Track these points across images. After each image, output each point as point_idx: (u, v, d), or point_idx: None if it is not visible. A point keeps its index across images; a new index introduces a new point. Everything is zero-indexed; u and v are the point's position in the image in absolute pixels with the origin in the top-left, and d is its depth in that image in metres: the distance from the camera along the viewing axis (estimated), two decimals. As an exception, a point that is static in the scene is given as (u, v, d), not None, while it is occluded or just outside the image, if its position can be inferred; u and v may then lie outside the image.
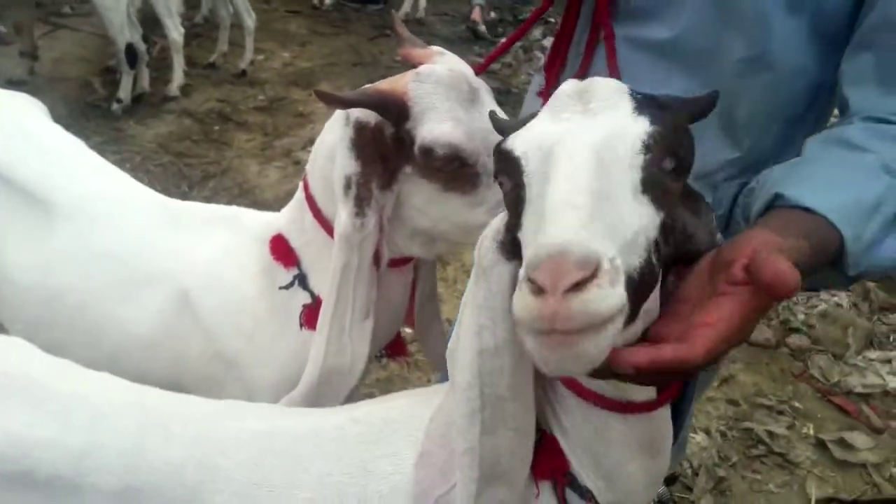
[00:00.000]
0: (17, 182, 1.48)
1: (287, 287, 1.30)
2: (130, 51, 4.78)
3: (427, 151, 1.11)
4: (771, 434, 2.82)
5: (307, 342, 1.26)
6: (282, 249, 1.32)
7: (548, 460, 0.99)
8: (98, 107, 4.96)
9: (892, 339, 3.37)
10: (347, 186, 1.15)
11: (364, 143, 1.14)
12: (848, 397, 3.02)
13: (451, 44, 6.72)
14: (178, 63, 5.20)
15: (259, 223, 1.39)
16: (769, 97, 1.17)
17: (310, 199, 1.27)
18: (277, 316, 1.31)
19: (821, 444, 2.79)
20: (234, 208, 1.50)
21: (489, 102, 1.16)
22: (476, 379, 0.90)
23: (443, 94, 1.11)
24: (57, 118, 1.77)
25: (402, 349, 1.46)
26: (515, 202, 0.81)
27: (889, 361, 3.20)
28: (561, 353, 0.64)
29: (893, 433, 2.87)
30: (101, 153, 1.70)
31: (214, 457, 1.02)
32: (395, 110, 1.11)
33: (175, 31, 5.06)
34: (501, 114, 1.17)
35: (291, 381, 1.27)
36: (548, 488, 1.00)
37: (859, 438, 2.81)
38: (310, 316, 1.28)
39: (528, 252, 0.68)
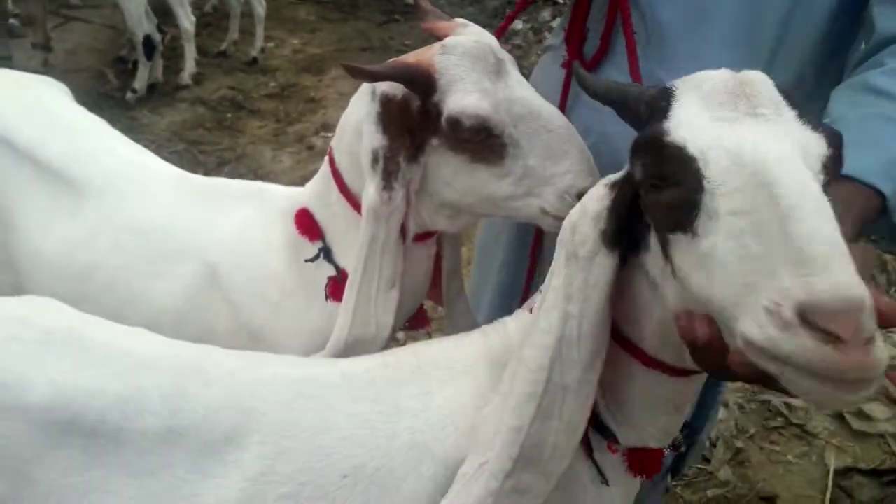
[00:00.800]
0: (44, 161, 1.51)
1: (312, 260, 1.32)
2: (149, 42, 4.82)
3: (454, 123, 1.12)
4: (789, 406, 2.84)
5: (332, 314, 1.28)
6: (307, 223, 1.34)
7: None
8: (111, 97, 5.01)
9: (909, 310, 3.36)
10: (375, 160, 1.17)
11: (391, 116, 1.16)
12: (865, 368, 3.03)
13: (460, 26, 6.73)
14: (190, 52, 5.23)
15: (284, 197, 1.41)
16: (808, 36, 1.20)
17: (336, 174, 1.29)
18: (303, 289, 1.34)
19: (839, 415, 2.80)
20: (257, 183, 1.52)
21: (514, 73, 1.17)
22: (547, 364, 0.91)
23: (469, 65, 1.12)
24: (71, 109, 1.80)
25: (424, 321, 1.48)
26: (683, 206, 0.77)
27: (907, 332, 3.21)
28: (846, 397, 0.65)
29: (911, 404, 2.89)
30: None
31: (249, 400, 1.05)
32: (422, 82, 1.12)
33: (186, 21, 5.10)
34: (527, 83, 1.19)
35: (317, 352, 1.29)
36: None
37: (877, 409, 2.82)
38: (335, 289, 1.31)
39: (801, 293, 0.65)
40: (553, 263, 0.94)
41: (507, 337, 1.12)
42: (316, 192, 1.35)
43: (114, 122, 1.76)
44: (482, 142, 1.13)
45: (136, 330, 1.15)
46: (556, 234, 1.30)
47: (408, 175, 1.18)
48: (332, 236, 1.32)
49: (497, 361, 1.09)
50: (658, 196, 0.80)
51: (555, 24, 7.07)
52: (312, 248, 1.33)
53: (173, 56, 5.48)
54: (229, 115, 4.98)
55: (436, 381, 1.09)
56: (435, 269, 1.41)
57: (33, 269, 1.51)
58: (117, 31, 5.76)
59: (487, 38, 1.19)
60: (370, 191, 1.17)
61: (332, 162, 1.30)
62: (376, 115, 1.17)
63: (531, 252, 1.54)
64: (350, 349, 1.25)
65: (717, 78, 0.82)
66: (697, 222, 0.75)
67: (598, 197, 0.90)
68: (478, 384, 1.08)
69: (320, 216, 1.34)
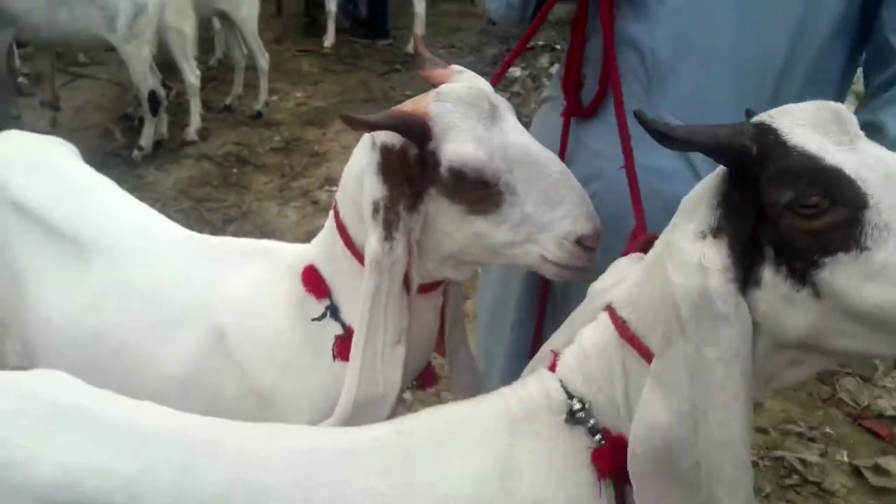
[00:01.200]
0: (53, 224, 1.52)
1: (319, 319, 1.31)
2: (153, 98, 4.87)
3: (457, 174, 1.12)
4: (804, 462, 2.78)
5: (340, 374, 1.26)
6: (314, 280, 1.32)
7: (614, 459, 0.99)
8: (118, 155, 5.05)
9: (921, 360, 3.34)
10: (375, 210, 1.16)
11: (390, 166, 1.16)
12: (879, 420, 2.99)
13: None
14: (195, 107, 5.29)
15: (291, 255, 1.40)
16: (810, 64, 1.25)
17: (340, 228, 1.28)
18: (310, 348, 1.32)
19: (856, 471, 2.74)
20: (265, 242, 1.51)
21: (510, 119, 1.17)
22: (747, 428, 0.90)
23: (463, 112, 1.12)
24: (80, 168, 1.81)
25: (433, 379, 1.45)
26: (847, 225, 0.81)
27: (920, 383, 3.17)
28: None
29: (930, 457, 2.83)
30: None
31: (261, 474, 1.02)
32: (418, 130, 1.12)
33: (192, 75, 5.16)
34: (522, 129, 1.18)
35: (325, 414, 1.27)
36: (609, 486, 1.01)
37: (894, 462, 2.76)
38: (342, 348, 1.29)
39: None
40: (683, 344, 0.90)
41: (528, 398, 1.08)
42: (322, 248, 1.34)
43: (120, 180, 1.77)
44: (480, 191, 1.13)
45: (143, 403, 1.13)
46: (568, 284, 1.27)
47: (408, 224, 1.17)
48: (339, 293, 1.31)
49: (518, 423, 1.05)
50: (813, 222, 0.83)
51: (553, 70, 7.16)
52: (319, 306, 1.31)
53: (178, 111, 5.55)
54: (235, 170, 5.01)
55: (452, 448, 1.06)
56: (441, 322, 1.39)
57: (42, 337, 1.49)
58: (124, 87, 5.85)
59: (482, 84, 1.19)
60: (372, 241, 1.16)
61: (336, 215, 1.30)
62: (377, 165, 1.16)
63: (538, 307, 1.52)
64: (359, 411, 1.22)
65: (817, 109, 0.89)
66: (865, 238, 0.80)
67: (712, 250, 0.89)
68: (499, 449, 1.04)
69: (326, 272, 1.32)
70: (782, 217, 0.84)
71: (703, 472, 0.92)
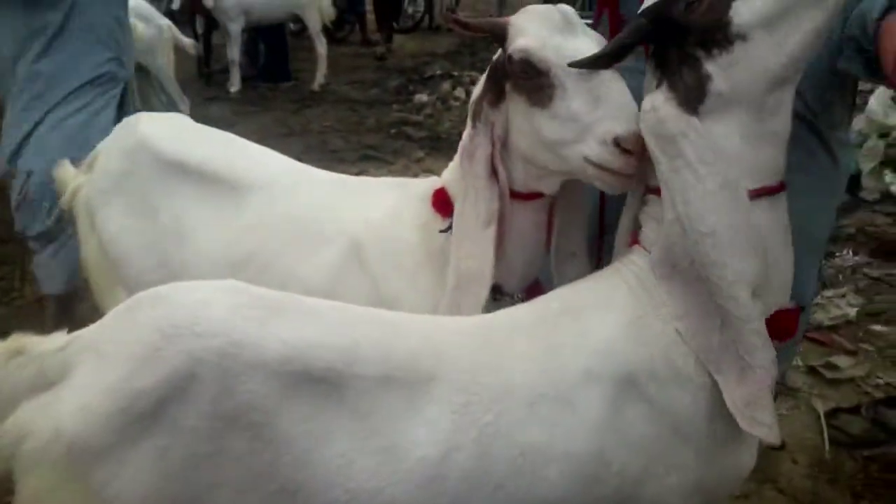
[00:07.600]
0: (211, 174, 1.71)
1: (445, 231, 1.46)
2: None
3: (517, 64, 1.29)
4: (768, 369, 3.14)
5: None
6: (442, 199, 1.49)
7: None
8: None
9: (840, 277, 3.90)
10: (471, 107, 1.41)
11: (492, 71, 1.39)
12: (819, 331, 3.43)
13: (368, 106, 7.13)
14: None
15: (424, 185, 1.59)
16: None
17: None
18: (434, 259, 1.48)
19: (812, 370, 3.16)
20: (401, 178, 1.72)
21: (582, 36, 1.32)
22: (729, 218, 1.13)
23: (536, 20, 1.32)
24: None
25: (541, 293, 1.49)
26: None
27: (844, 296, 3.66)
28: None
29: (864, 351, 3.30)
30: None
31: (440, 346, 1.19)
32: (498, 32, 1.35)
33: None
34: (592, 42, 1.32)
35: None
36: None
37: (840, 360, 3.21)
38: None
39: None
40: (663, 164, 1.16)
41: (637, 269, 1.25)
42: (452, 171, 1.51)
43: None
44: (532, 80, 1.28)
45: (320, 300, 1.25)
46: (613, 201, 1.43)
47: (490, 117, 1.37)
48: None
49: (636, 289, 1.23)
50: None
51: (457, 93, 7.51)
52: (445, 224, 1.47)
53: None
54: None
55: (587, 314, 1.24)
56: (548, 239, 1.48)
57: (192, 268, 1.65)
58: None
59: (562, 7, 1.35)
60: (464, 133, 1.40)
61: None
62: (487, 72, 1.41)
63: (600, 215, 1.62)
64: (463, 287, 1.38)
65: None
66: None
67: (657, 94, 1.20)
68: (625, 311, 1.22)
69: (454, 192, 1.47)
70: (689, 16, 1.13)
71: (696, 265, 1.14)
